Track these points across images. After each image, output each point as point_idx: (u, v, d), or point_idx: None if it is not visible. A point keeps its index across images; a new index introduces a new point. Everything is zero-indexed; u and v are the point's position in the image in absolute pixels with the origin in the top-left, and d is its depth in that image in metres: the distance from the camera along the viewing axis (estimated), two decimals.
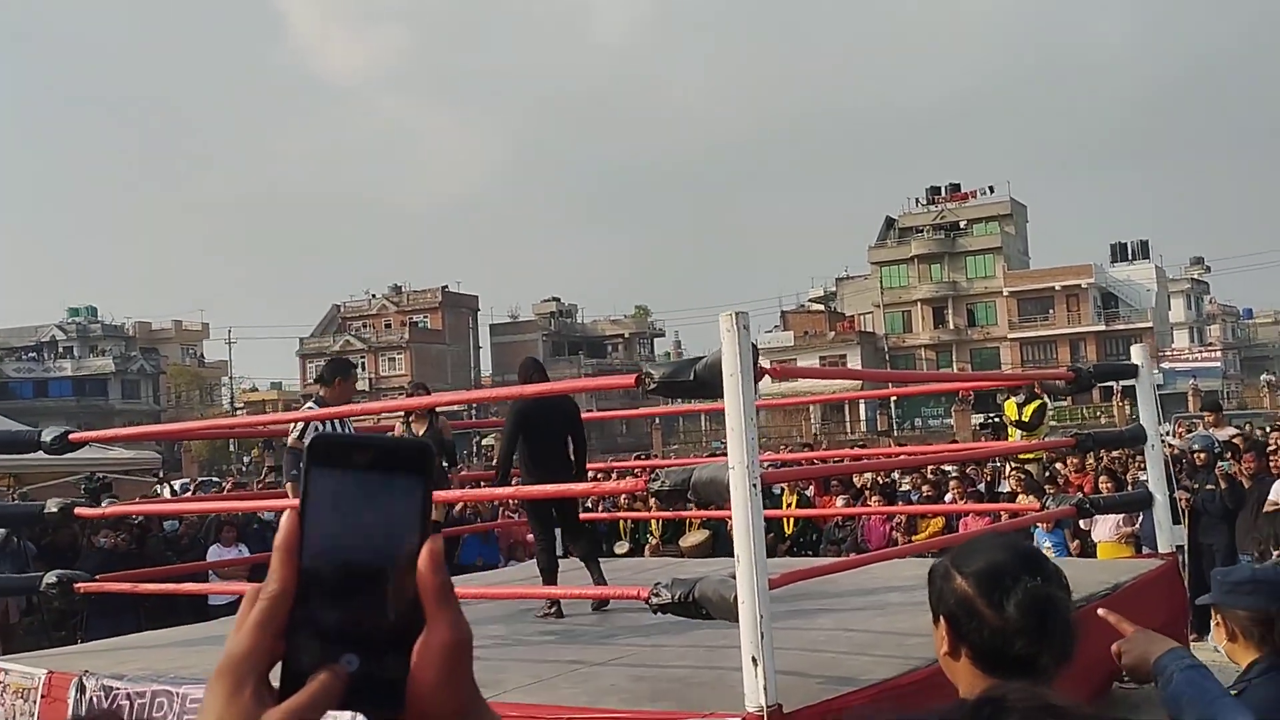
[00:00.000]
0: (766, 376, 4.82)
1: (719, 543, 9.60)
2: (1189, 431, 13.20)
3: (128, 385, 70.10)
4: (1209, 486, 9.75)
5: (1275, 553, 2.97)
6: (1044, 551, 9.42)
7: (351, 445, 0.68)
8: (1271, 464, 9.38)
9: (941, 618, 1.74)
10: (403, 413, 8.02)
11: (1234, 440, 11.05)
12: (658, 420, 46.80)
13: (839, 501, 11.60)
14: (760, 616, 3.76)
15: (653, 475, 4.38)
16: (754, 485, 3.81)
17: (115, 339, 72.71)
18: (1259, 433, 15.21)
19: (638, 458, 17.43)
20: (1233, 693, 2.46)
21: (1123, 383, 7.51)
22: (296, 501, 0.69)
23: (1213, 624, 2.63)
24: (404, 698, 0.66)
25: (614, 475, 8.65)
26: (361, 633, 0.66)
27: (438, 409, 7.68)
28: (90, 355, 70.70)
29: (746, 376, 3.84)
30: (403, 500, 0.68)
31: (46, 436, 6.38)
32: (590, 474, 7.50)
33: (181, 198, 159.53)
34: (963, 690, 1.74)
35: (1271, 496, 8.73)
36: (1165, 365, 59.12)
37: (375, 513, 0.67)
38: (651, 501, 10.29)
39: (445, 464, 7.84)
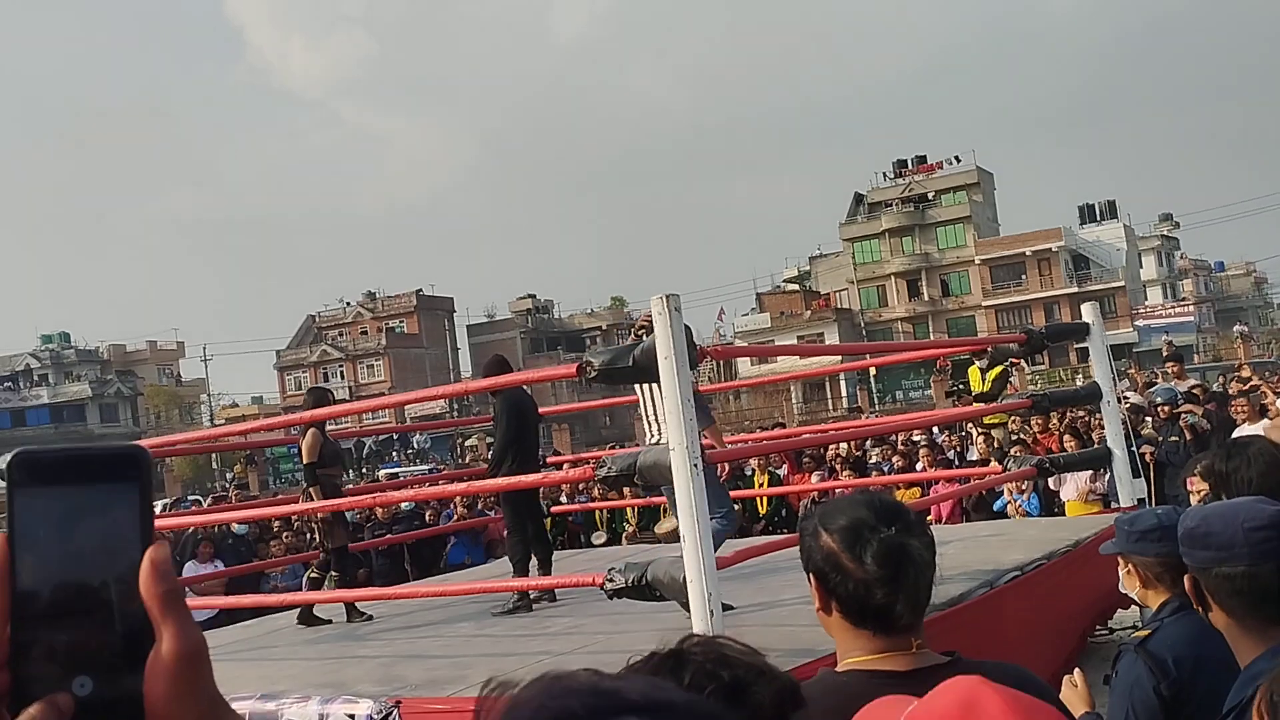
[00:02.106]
0: (747, 359, 4.85)
1: None
2: (1149, 386, 13.32)
3: (106, 409, 69.64)
4: (1172, 438, 9.86)
5: (1198, 497, 3.03)
6: (1021, 513, 9.54)
7: (54, 460, 0.65)
8: (1233, 409, 9.49)
9: (811, 574, 1.78)
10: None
11: (1194, 390, 11.17)
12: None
13: (813, 478, 11.66)
14: (709, 594, 3.81)
15: (600, 463, 4.42)
16: (694, 466, 3.85)
17: (90, 363, 72.18)
18: (1220, 379, 15.36)
19: (610, 448, 17.47)
20: (1146, 632, 2.52)
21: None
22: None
23: (1122, 572, 2.67)
24: (142, 713, 0.64)
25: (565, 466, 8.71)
26: (90, 653, 0.63)
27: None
28: (66, 381, 70.17)
29: (681, 359, 3.88)
30: (119, 510, 0.65)
31: (3, 464, 6.36)
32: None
33: (149, 218, 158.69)
34: (838, 644, 1.78)
35: None
36: (1140, 323, 59.52)
37: (90, 527, 0.64)
38: (627, 490, 10.33)
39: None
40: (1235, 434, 8.84)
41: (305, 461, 7.19)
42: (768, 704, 1.15)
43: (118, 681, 0.63)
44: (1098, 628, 6.88)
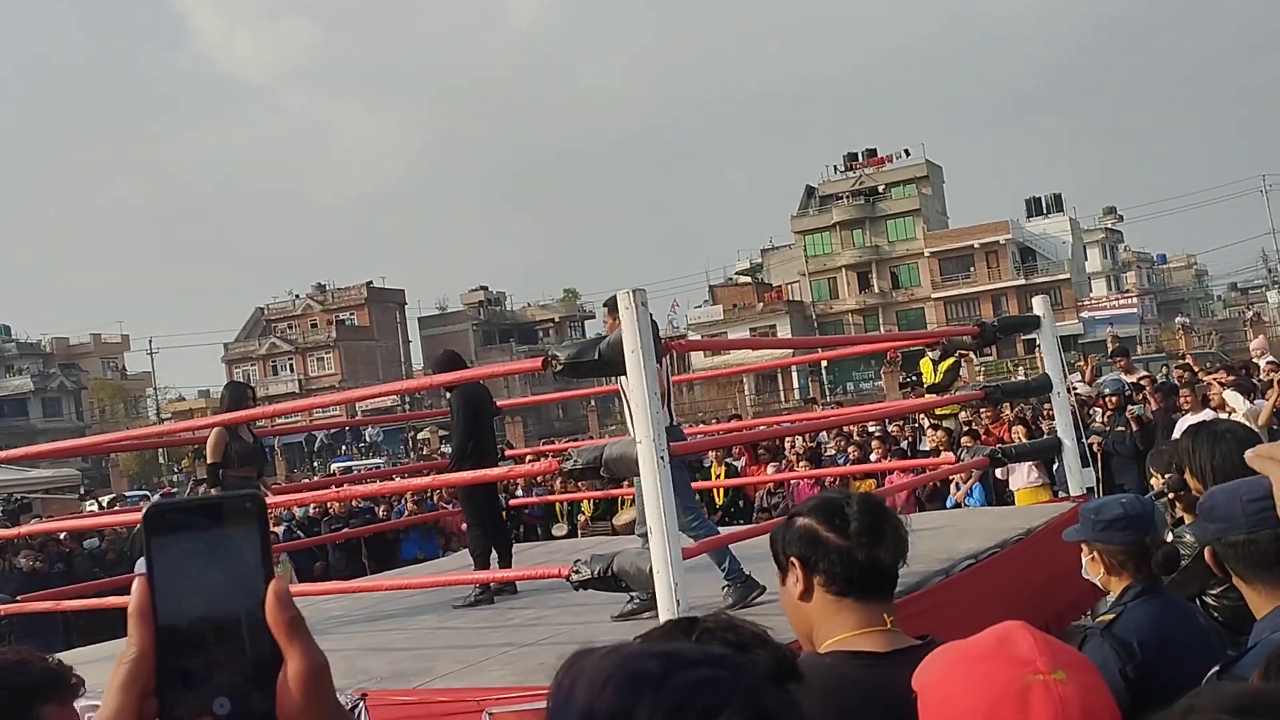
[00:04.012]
0: (693, 351, 4.90)
1: None
2: (1097, 375, 13.59)
3: (48, 403, 68.30)
4: (1119, 429, 10.06)
5: (1160, 481, 3.15)
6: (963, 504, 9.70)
7: (182, 509, 0.76)
8: (1179, 401, 9.71)
9: (792, 561, 1.86)
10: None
11: (1141, 382, 11.41)
12: (593, 402, 46.83)
13: (769, 469, 11.76)
14: (675, 585, 3.85)
15: (565, 456, 4.44)
16: (661, 458, 3.88)
17: (32, 357, 70.76)
18: (1164, 370, 15.71)
19: (568, 441, 17.50)
20: (1110, 616, 2.61)
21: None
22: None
23: (1086, 558, 2.75)
24: None
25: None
26: (226, 677, 0.73)
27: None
28: (6, 375, 68.71)
29: (648, 352, 3.91)
30: (242, 548, 0.75)
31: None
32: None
33: (90, 209, 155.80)
34: (818, 629, 1.84)
35: (1176, 434, 9.03)
36: (1085, 314, 60.47)
37: (219, 565, 0.74)
38: (581, 484, 10.34)
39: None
40: (1179, 425, 9.06)
41: (209, 461, 6.89)
42: (767, 667, 1.27)
43: (252, 701, 0.73)
44: (1073, 622, 6.90)
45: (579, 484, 10.81)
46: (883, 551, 1.81)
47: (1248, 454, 1.40)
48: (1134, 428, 10.09)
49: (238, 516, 0.75)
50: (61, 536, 10.84)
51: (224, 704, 0.72)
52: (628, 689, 0.83)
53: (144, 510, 0.76)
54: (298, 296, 73.32)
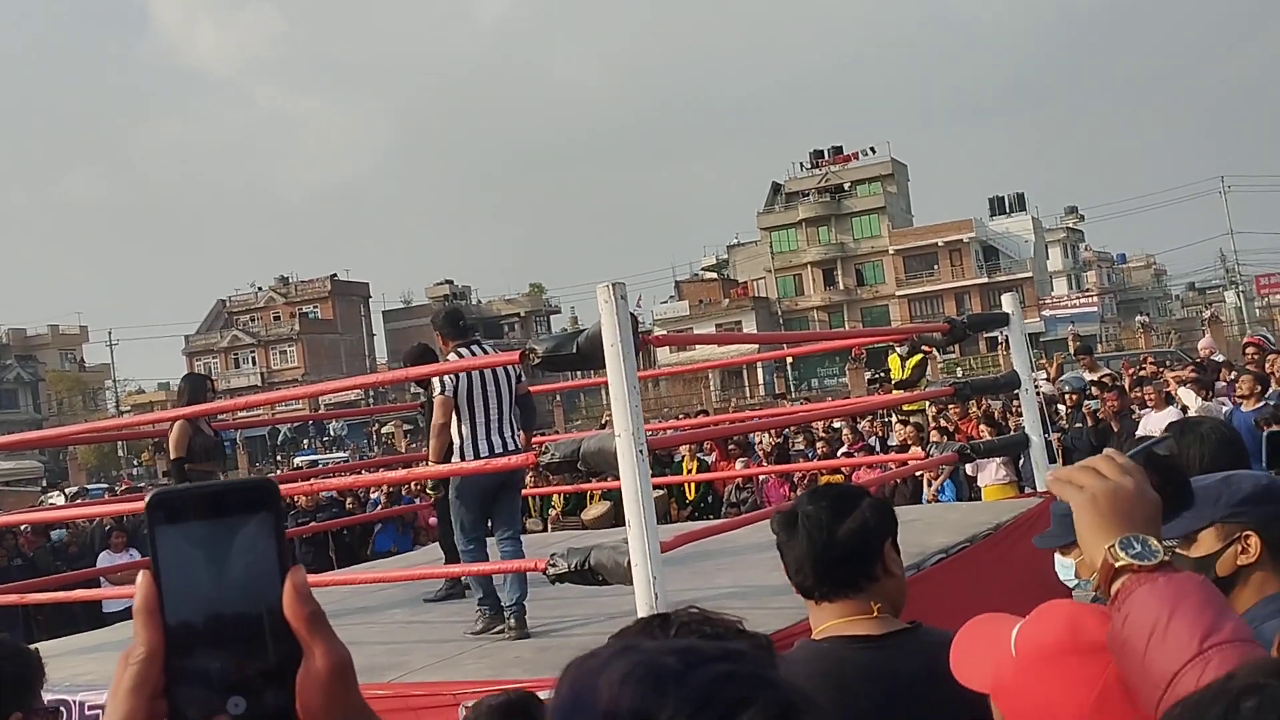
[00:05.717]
0: (666, 346, 4.91)
1: (620, 512, 9.74)
2: (1062, 374, 13.81)
3: (4, 395, 67.24)
4: (1077, 425, 10.21)
5: None
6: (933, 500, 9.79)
7: (189, 496, 0.69)
8: (1143, 397, 9.86)
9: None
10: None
11: (1103, 379, 11.59)
12: (559, 396, 46.78)
13: (738, 464, 11.80)
14: (653, 578, 3.86)
15: (543, 449, 4.44)
16: (640, 452, 3.89)
17: None
18: (1131, 371, 15.94)
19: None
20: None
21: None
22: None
23: (1074, 559, 2.73)
24: None
25: None
26: (241, 674, 0.68)
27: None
28: None
29: (627, 346, 3.92)
30: (255, 538, 0.69)
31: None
32: None
33: (48, 199, 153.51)
34: (812, 622, 1.89)
35: (1141, 432, 9.15)
36: (1046, 313, 61.11)
37: (230, 556, 0.68)
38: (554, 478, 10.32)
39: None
40: (1143, 423, 9.19)
41: (172, 456, 6.66)
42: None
43: (269, 699, 0.68)
44: None
45: (550, 478, 10.81)
46: (813, 564, 1.86)
47: (1047, 477, 1.41)
48: (1090, 424, 10.26)
49: (249, 503, 0.69)
50: (22, 529, 10.71)
51: (239, 703, 0.67)
52: (649, 687, 0.80)
53: (147, 498, 0.69)
54: (260, 289, 72.64)
